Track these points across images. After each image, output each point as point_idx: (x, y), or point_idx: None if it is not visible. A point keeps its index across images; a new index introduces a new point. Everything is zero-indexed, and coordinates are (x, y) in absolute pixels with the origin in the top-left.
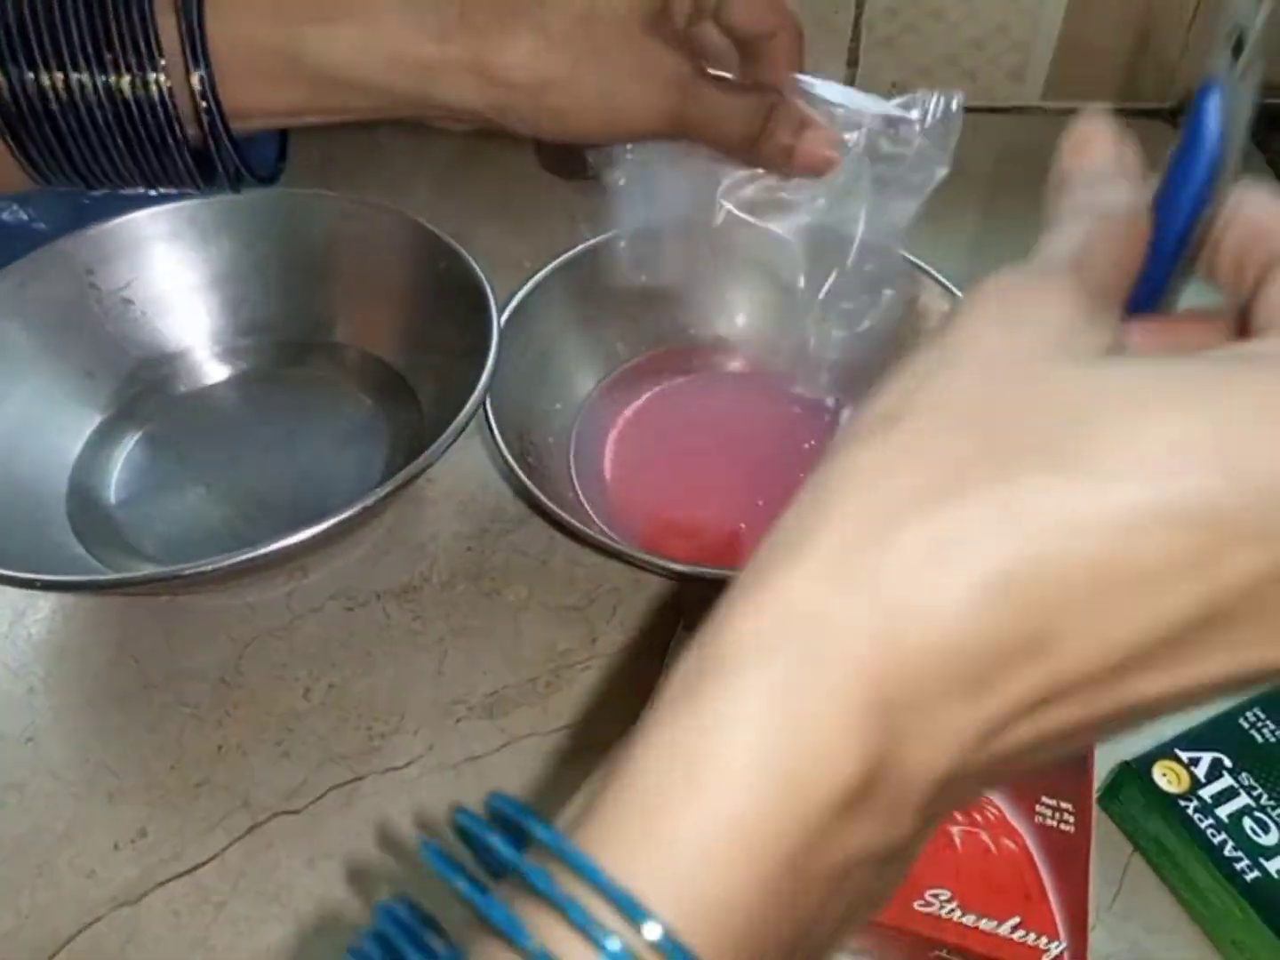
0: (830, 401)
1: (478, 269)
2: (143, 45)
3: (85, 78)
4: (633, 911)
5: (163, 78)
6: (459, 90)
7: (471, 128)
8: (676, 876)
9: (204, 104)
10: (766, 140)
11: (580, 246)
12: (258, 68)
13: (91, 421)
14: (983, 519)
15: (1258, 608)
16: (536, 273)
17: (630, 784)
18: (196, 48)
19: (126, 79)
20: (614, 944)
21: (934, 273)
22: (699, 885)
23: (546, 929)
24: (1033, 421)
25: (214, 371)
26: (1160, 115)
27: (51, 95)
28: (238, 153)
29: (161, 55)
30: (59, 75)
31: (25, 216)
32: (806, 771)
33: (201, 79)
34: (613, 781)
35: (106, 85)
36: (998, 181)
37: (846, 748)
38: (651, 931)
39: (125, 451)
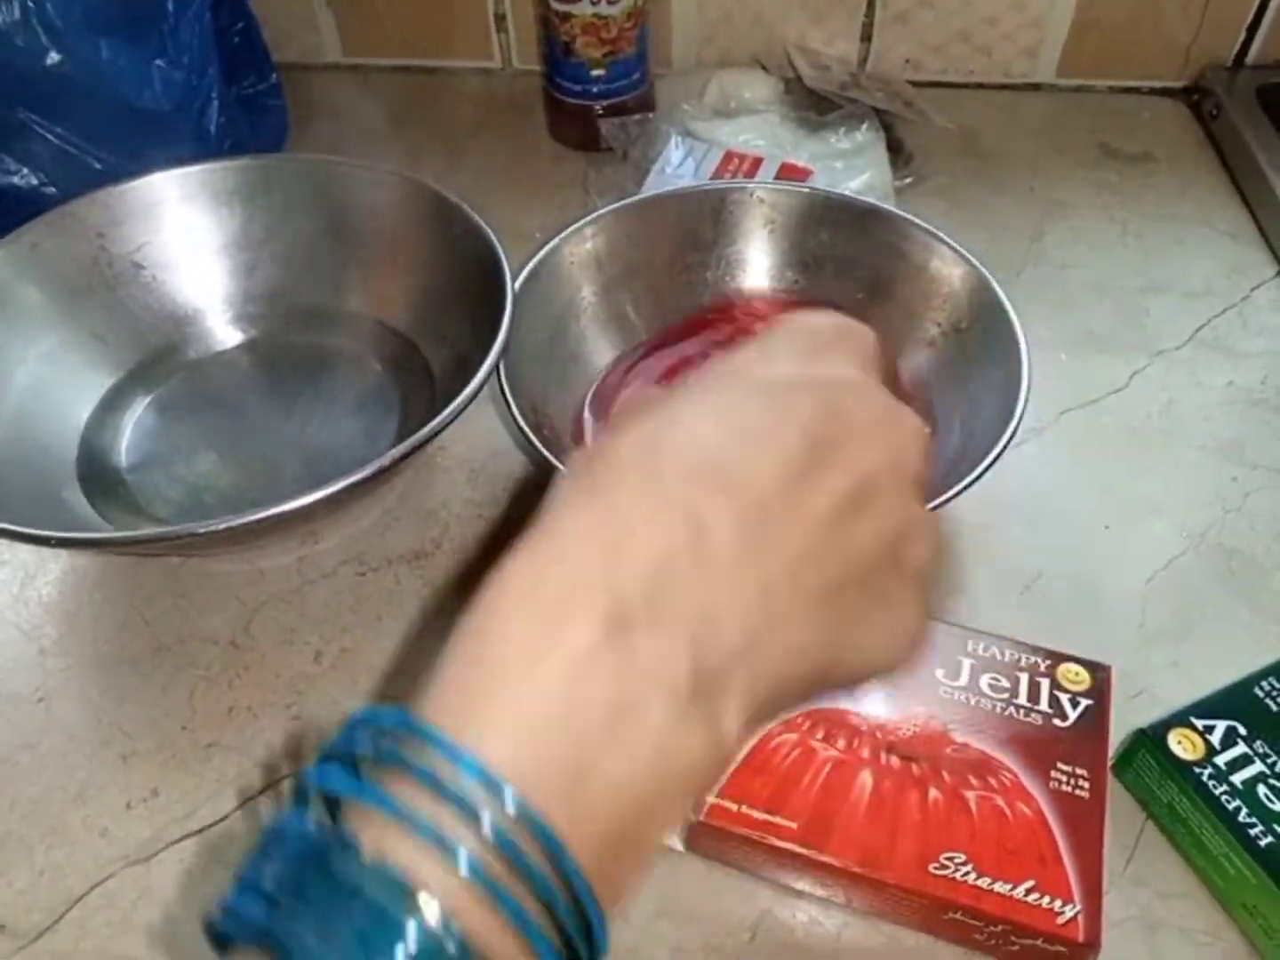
0: None
1: (492, 235)
2: None
3: None
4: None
5: None
6: None
7: None
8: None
9: None
10: None
11: (592, 215)
12: None
13: (103, 385)
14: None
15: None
16: (548, 243)
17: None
18: None
19: None
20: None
21: (948, 240)
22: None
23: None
24: None
25: (226, 337)
26: (1173, 94)
27: None
28: None
29: None
30: None
31: (36, 180)
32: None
33: None
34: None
35: None
36: (1012, 156)
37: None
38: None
39: (136, 416)
